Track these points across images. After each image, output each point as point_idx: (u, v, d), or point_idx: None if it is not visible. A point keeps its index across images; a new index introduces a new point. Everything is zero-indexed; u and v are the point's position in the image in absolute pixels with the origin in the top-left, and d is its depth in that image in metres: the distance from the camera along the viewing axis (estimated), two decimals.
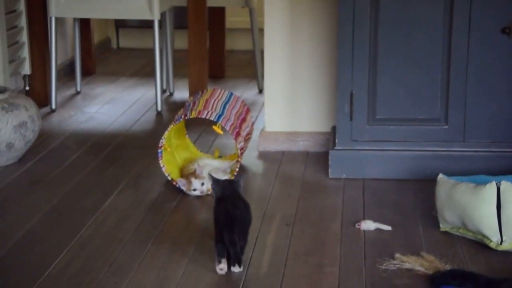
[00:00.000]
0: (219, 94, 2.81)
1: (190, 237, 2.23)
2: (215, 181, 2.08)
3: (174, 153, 2.74)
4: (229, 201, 2.04)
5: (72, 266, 2.05)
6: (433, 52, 2.61)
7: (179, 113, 2.73)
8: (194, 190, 2.49)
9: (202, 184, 2.48)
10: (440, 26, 2.59)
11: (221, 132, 2.70)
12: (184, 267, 2.04)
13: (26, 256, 2.11)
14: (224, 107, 2.70)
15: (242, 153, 2.65)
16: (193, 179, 2.50)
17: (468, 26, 2.57)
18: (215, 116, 2.61)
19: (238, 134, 2.65)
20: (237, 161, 2.61)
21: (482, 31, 2.58)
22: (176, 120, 2.64)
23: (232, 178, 2.45)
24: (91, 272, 2.01)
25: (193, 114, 2.60)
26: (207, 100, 2.72)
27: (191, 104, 2.72)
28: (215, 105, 2.69)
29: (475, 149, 2.65)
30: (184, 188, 2.52)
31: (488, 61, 2.60)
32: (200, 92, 2.87)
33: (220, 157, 2.81)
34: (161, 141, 2.58)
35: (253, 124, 2.92)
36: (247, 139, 2.78)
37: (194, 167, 2.55)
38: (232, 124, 2.65)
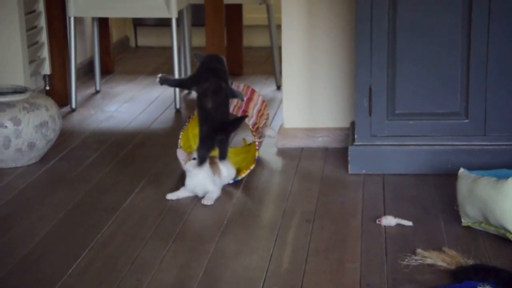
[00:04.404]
0: None
1: (211, 235, 2.24)
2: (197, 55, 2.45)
3: (191, 141, 2.75)
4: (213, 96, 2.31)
5: (95, 264, 2.06)
6: (453, 45, 2.59)
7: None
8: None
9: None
10: (459, 19, 2.57)
11: None
12: (205, 265, 2.05)
13: (49, 255, 2.13)
14: None
15: (256, 129, 2.66)
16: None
17: (487, 18, 2.55)
18: None
19: (244, 112, 2.66)
20: (256, 148, 2.64)
21: (502, 23, 2.55)
22: (187, 121, 2.69)
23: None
24: (113, 270, 2.03)
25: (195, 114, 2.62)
26: None
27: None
28: None
29: (496, 143, 2.63)
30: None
31: (509, 53, 2.57)
32: None
33: (249, 144, 2.82)
34: (179, 142, 2.62)
35: (264, 102, 2.91)
36: (260, 115, 2.79)
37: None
38: (235, 105, 2.66)
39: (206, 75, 2.41)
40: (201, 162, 2.40)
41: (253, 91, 2.87)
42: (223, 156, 2.44)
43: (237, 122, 2.46)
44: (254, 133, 2.63)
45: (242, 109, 2.67)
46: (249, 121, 2.63)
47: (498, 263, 2.00)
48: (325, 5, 2.90)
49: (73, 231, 2.28)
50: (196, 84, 2.42)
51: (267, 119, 2.89)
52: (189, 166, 2.44)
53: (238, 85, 2.83)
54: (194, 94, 3.84)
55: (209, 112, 2.37)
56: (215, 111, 2.37)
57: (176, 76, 3.50)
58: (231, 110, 2.60)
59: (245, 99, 2.61)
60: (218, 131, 2.38)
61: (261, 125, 2.78)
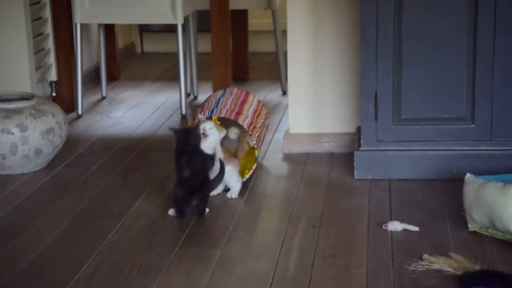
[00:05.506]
0: (216, 93, 2.86)
1: (217, 240, 2.24)
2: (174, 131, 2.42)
3: None
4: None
5: (101, 270, 2.07)
6: (458, 50, 2.59)
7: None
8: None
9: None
10: (465, 23, 2.57)
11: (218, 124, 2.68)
12: (211, 271, 2.05)
13: (56, 261, 2.13)
14: (218, 101, 2.75)
15: (253, 128, 2.66)
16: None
17: (493, 22, 2.55)
18: (208, 112, 2.64)
19: (238, 114, 2.67)
20: (254, 148, 2.65)
21: (508, 27, 2.55)
22: None
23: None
24: (119, 276, 2.03)
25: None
26: (205, 101, 2.81)
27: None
28: (210, 103, 2.74)
29: (503, 148, 2.63)
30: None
31: None
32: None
33: (252, 147, 2.83)
34: None
35: (260, 102, 2.90)
36: (257, 115, 2.79)
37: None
38: (228, 109, 2.67)
39: (180, 150, 2.40)
40: (179, 215, 2.38)
41: (247, 94, 2.88)
42: (201, 215, 2.40)
43: (217, 179, 2.41)
44: (250, 133, 2.64)
45: (235, 111, 2.68)
46: (244, 122, 2.64)
47: (505, 268, 2.00)
48: (330, 10, 2.91)
49: (79, 237, 2.29)
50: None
51: (266, 118, 2.89)
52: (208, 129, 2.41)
53: (232, 90, 2.84)
54: (199, 100, 3.86)
55: (186, 179, 2.36)
56: (191, 179, 2.35)
57: (182, 82, 3.50)
58: (224, 114, 2.62)
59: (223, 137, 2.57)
60: (195, 193, 2.36)
61: (259, 124, 2.79)
